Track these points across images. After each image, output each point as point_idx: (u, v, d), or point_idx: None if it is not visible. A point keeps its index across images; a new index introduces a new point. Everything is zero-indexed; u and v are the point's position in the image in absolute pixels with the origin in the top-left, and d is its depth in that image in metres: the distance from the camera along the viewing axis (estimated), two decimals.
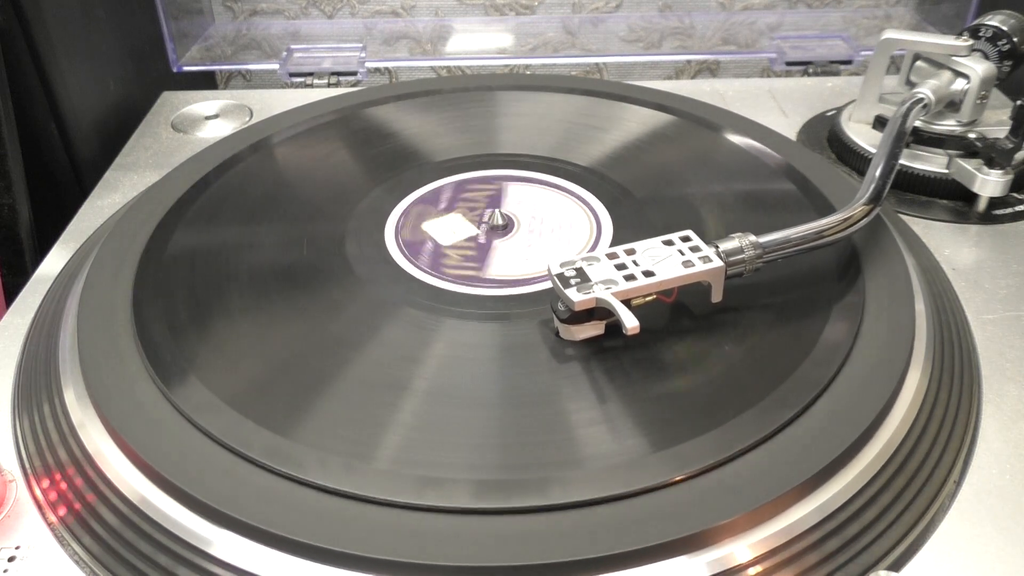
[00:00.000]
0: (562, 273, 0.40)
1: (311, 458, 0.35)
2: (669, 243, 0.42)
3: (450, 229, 0.50)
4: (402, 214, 0.51)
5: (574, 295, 0.39)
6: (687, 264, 0.41)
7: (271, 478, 0.34)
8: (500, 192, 0.53)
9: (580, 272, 0.40)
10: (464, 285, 0.45)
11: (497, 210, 0.50)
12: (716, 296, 0.41)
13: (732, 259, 0.41)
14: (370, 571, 0.31)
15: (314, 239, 0.49)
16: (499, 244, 0.49)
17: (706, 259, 0.41)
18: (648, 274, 0.40)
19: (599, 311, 0.40)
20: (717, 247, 0.42)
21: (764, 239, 0.42)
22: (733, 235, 0.42)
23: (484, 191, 0.54)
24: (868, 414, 0.36)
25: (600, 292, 0.39)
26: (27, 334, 0.46)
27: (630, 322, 0.38)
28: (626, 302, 0.39)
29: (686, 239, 0.42)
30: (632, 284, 0.40)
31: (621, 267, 0.41)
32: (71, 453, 0.38)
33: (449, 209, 0.52)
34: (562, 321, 0.40)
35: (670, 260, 0.41)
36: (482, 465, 0.35)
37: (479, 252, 0.48)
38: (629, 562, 0.31)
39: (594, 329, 0.41)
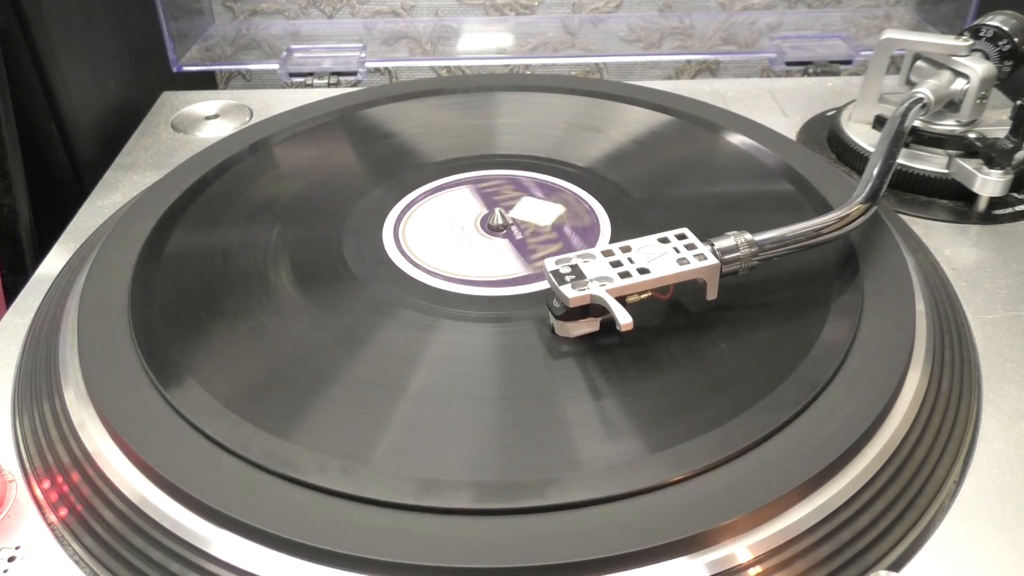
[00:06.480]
0: (557, 270, 0.41)
1: (310, 460, 0.35)
2: (665, 240, 0.42)
3: (539, 211, 0.50)
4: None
5: (569, 291, 0.39)
6: (682, 261, 0.41)
7: (270, 479, 0.34)
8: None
9: (575, 269, 0.41)
10: (462, 285, 0.45)
11: (498, 210, 0.50)
12: (711, 294, 0.42)
13: (727, 257, 0.41)
14: (369, 572, 0.31)
15: (313, 239, 0.49)
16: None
17: (701, 256, 0.41)
18: (643, 271, 0.40)
19: (594, 308, 0.40)
20: (712, 245, 0.42)
21: (760, 237, 0.42)
22: (729, 233, 0.42)
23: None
24: (868, 414, 0.36)
25: (595, 289, 0.39)
26: (27, 334, 0.46)
27: (624, 319, 0.38)
28: (621, 299, 0.39)
29: (682, 237, 0.42)
30: (627, 281, 0.40)
31: (616, 264, 0.41)
32: (71, 453, 0.38)
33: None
34: (557, 318, 0.41)
35: (665, 257, 0.41)
36: (481, 466, 0.35)
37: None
38: (629, 563, 0.31)
39: (589, 326, 0.41)
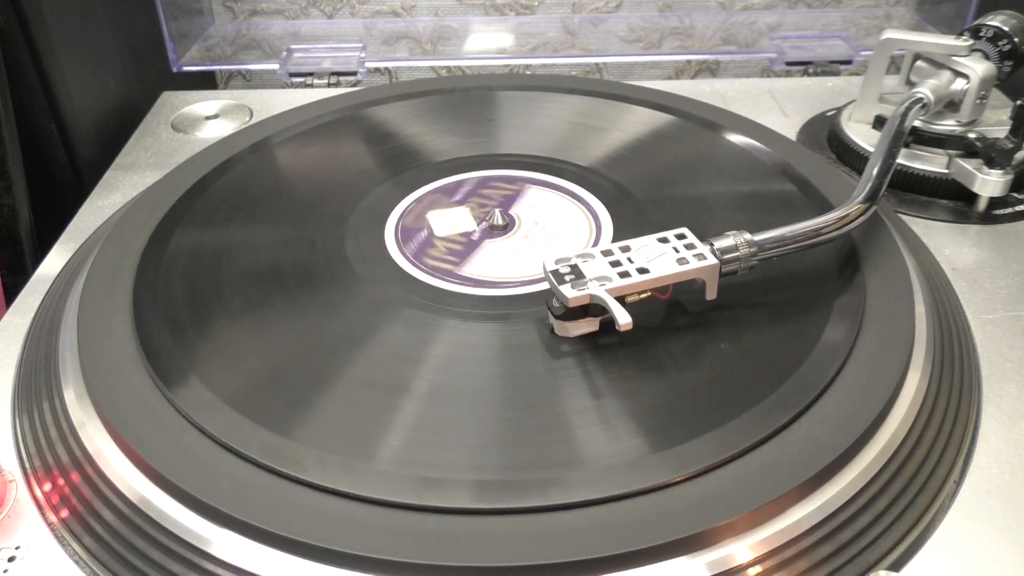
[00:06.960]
0: (557, 269, 0.41)
1: (311, 458, 0.35)
2: (664, 240, 0.42)
3: (451, 221, 0.50)
4: (412, 202, 0.52)
5: (568, 291, 0.39)
6: (681, 261, 0.41)
7: (271, 478, 0.34)
8: (518, 194, 0.53)
9: (575, 269, 0.41)
10: (463, 285, 0.45)
11: (499, 210, 0.50)
12: (710, 294, 0.42)
13: (726, 257, 0.41)
14: (370, 571, 0.31)
15: (314, 239, 0.49)
16: (489, 243, 0.49)
17: (700, 256, 0.41)
18: (642, 271, 0.40)
19: (594, 308, 0.40)
20: (712, 244, 0.42)
21: (759, 237, 0.42)
22: (728, 233, 0.42)
23: (502, 191, 0.54)
24: (868, 414, 0.36)
25: (594, 288, 0.39)
26: (27, 334, 0.46)
27: (623, 319, 0.38)
28: (620, 299, 0.39)
29: (681, 236, 0.42)
30: (626, 281, 0.40)
31: (616, 264, 0.41)
32: (71, 453, 0.38)
33: (462, 202, 0.52)
34: (557, 317, 0.41)
35: (664, 257, 0.41)
36: (481, 465, 0.35)
37: (466, 248, 0.48)
38: (629, 563, 0.31)
39: (589, 326, 0.41)
